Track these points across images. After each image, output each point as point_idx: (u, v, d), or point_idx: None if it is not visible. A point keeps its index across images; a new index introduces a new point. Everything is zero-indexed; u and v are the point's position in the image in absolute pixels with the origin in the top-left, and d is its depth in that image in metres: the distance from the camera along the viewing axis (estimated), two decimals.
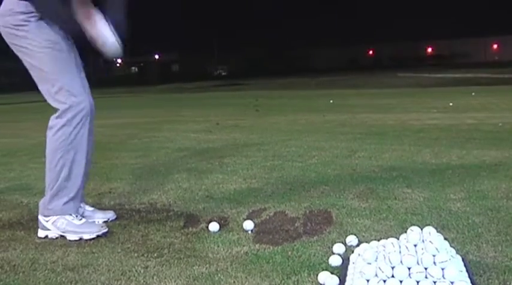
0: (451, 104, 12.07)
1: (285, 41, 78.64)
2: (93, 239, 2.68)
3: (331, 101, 15.01)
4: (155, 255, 2.41)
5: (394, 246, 2.03)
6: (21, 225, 3.04)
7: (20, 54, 2.76)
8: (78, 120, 2.71)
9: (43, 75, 2.73)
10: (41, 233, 2.77)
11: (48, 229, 2.75)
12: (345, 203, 3.21)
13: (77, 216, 2.77)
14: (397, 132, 6.80)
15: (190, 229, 2.81)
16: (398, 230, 2.59)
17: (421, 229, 2.06)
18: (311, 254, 2.35)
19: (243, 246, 2.49)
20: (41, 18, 2.68)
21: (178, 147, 6.19)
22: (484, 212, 2.92)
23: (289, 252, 2.38)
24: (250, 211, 3.11)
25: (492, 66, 48.85)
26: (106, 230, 2.73)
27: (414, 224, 2.59)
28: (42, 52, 2.69)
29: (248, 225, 2.71)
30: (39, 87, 2.77)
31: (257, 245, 2.49)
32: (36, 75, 2.76)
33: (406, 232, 2.09)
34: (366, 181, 3.81)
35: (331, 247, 2.38)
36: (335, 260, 2.21)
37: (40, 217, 2.79)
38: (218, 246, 2.50)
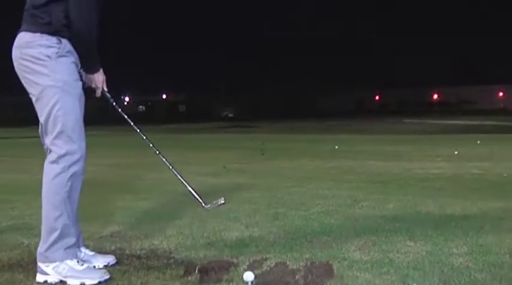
0: (456, 152, 12.06)
1: (293, 84, 79.42)
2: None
3: (336, 147, 15.03)
4: None
5: None
6: (20, 267, 3.03)
7: (29, 89, 2.75)
8: (75, 168, 2.74)
9: (48, 113, 2.71)
10: (40, 278, 2.73)
11: (48, 274, 2.71)
12: (346, 255, 3.19)
13: (78, 261, 2.76)
14: (402, 181, 6.80)
15: (189, 277, 2.80)
16: None
17: None
18: None
19: None
20: (61, 56, 2.69)
21: (182, 190, 6.17)
22: (486, 268, 2.90)
23: None
24: (251, 260, 3.10)
25: (498, 113, 49.11)
26: (108, 276, 2.72)
27: (416, 280, 2.59)
28: (52, 91, 2.68)
29: (248, 277, 2.69)
30: (41, 122, 2.76)
31: None
32: (41, 111, 2.74)
33: None
34: (368, 232, 3.79)
35: None
36: None
37: (39, 263, 2.76)
38: None
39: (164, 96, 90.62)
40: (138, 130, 3.17)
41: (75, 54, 2.80)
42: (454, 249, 3.29)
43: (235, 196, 5.62)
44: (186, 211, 4.74)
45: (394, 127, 38.71)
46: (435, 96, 69.81)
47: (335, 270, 2.89)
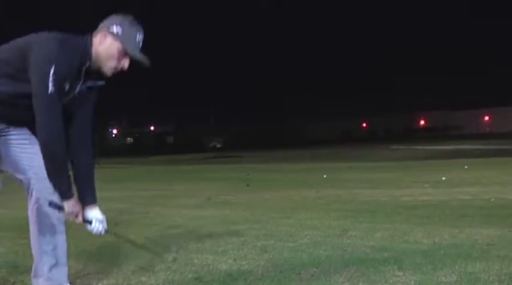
0: (443, 178, 12.13)
1: (280, 114, 79.77)
2: None
3: (324, 176, 15.05)
4: None
5: None
6: None
7: None
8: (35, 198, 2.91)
9: None
10: None
11: None
12: None
13: None
14: (389, 209, 6.80)
15: None
16: None
17: None
18: None
19: None
20: None
21: (169, 224, 6.14)
22: None
23: None
24: None
25: (484, 137, 49.59)
26: None
27: None
28: None
29: None
30: None
31: None
32: None
33: None
34: (357, 262, 3.77)
35: None
36: None
37: None
38: None
39: (152, 128, 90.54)
40: None
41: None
42: (443, 278, 3.29)
43: (222, 228, 5.58)
44: (173, 246, 4.69)
45: (382, 153, 38.93)
46: (422, 122, 70.45)
47: None
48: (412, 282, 3.23)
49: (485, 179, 11.55)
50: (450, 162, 21.59)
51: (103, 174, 18.26)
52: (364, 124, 78.97)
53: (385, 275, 3.41)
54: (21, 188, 2.95)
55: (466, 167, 16.95)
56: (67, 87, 2.65)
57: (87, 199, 2.87)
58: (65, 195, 2.72)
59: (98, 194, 2.96)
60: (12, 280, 3.57)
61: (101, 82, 2.85)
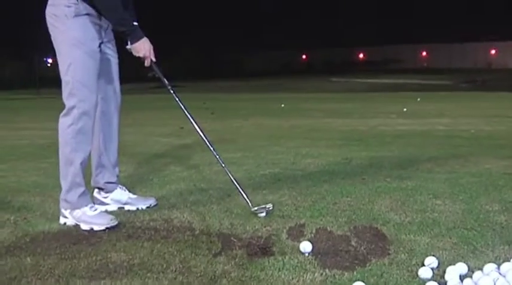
0: (405, 109, 12.15)
1: (218, 45, 78.20)
2: (102, 230, 2.76)
3: (282, 105, 14.82)
4: None
5: None
6: (21, 249, 2.54)
7: (54, 44, 2.89)
8: (84, 120, 2.86)
9: (61, 66, 2.86)
10: (61, 220, 2.94)
11: (67, 217, 2.92)
12: (386, 216, 2.92)
13: (91, 207, 2.91)
14: (379, 138, 6.63)
15: (229, 251, 2.41)
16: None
17: None
18: (395, 279, 2.05)
19: (313, 272, 2.13)
20: (77, 15, 2.79)
21: (154, 153, 5.72)
22: None
23: (371, 279, 2.06)
24: (287, 227, 2.76)
25: (422, 72, 50.57)
26: (116, 223, 2.83)
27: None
28: (66, 47, 2.83)
29: (307, 247, 2.35)
30: (61, 77, 2.88)
31: (327, 271, 2.15)
32: (60, 66, 2.86)
33: None
34: (388, 191, 3.54)
35: (412, 271, 2.12)
36: None
37: (60, 206, 2.96)
38: (284, 274, 2.12)
39: None
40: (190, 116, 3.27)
41: (101, 18, 2.89)
42: (487, 207, 3.11)
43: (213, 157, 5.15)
44: (174, 175, 4.31)
45: (323, 85, 39.05)
46: (361, 55, 71.00)
47: (386, 234, 2.61)
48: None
49: (448, 112, 11.63)
50: (401, 95, 21.82)
51: (50, 104, 17.33)
52: (304, 57, 78.82)
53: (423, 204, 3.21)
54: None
55: (418, 99, 17.16)
56: None
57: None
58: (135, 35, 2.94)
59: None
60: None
61: None
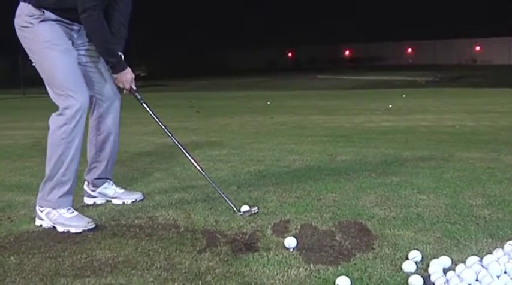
0: (390, 106, 12.20)
1: (204, 43, 77.94)
2: (78, 233, 2.70)
3: (268, 103, 14.82)
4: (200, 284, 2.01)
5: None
6: (5, 249, 2.52)
7: (29, 54, 2.91)
8: (77, 119, 2.82)
9: (45, 74, 2.89)
10: (37, 222, 2.88)
11: (43, 219, 2.86)
12: (370, 211, 2.94)
13: (68, 209, 2.85)
14: (363, 134, 6.66)
15: (214, 248, 2.41)
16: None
17: None
18: (379, 274, 2.06)
19: (297, 268, 2.14)
20: (42, 21, 2.81)
21: (139, 151, 5.70)
22: None
23: (355, 273, 2.07)
24: (272, 223, 2.77)
25: (406, 69, 50.83)
26: (93, 226, 2.77)
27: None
28: (42, 52, 2.85)
29: (291, 242, 2.36)
30: (45, 85, 2.91)
31: (312, 266, 2.16)
32: (41, 74, 2.90)
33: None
34: (375, 187, 3.56)
35: (396, 265, 2.13)
36: (416, 281, 1.93)
37: (37, 207, 2.89)
38: (269, 269, 2.13)
39: None
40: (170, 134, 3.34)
41: (73, 24, 2.94)
42: (470, 201, 3.14)
43: (202, 155, 5.17)
44: (161, 173, 4.30)
45: (309, 83, 39.08)
46: (346, 53, 71.15)
47: (370, 228, 2.63)
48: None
49: (433, 108, 11.70)
50: (387, 91, 21.89)
51: (35, 103, 17.22)
52: (290, 54, 78.88)
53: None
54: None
55: (404, 96, 17.24)
56: None
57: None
58: (117, 66, 2.99)
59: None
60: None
61: None
